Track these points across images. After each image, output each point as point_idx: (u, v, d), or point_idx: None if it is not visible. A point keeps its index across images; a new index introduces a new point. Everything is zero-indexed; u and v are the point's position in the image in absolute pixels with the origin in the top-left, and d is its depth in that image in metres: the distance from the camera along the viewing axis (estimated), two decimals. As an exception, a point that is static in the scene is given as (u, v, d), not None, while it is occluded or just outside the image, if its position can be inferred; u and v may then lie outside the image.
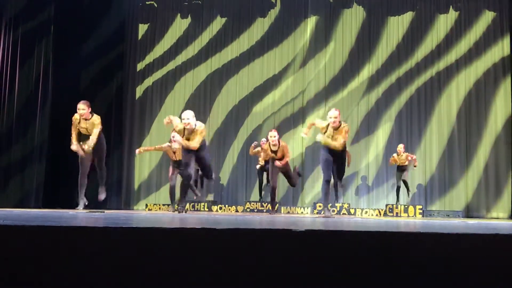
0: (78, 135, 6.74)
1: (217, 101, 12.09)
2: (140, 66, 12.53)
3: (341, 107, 11.40)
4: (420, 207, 10.18)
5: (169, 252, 1.54)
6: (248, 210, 10.38)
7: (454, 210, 10.50)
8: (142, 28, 12.65)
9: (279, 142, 7.85)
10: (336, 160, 6.49)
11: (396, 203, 10.43)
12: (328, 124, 6.36)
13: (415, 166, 10.49)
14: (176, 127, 6.56)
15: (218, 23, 12.41)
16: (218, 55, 12.31)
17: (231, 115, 11.88)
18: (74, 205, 10.53)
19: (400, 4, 11.71)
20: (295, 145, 11.31)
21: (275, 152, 7.66)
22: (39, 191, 10.27)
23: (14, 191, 10.07)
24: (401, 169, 10.38)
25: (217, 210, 10.65)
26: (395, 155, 10.39)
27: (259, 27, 12.23)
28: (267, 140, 9.08)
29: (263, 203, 10.34)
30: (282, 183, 10.11)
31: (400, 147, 10.37)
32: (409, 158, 10.32)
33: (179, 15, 12.57)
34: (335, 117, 6.28)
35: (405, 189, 10.57)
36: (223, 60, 12.28)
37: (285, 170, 7.90)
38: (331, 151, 6.42)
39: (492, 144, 10.79)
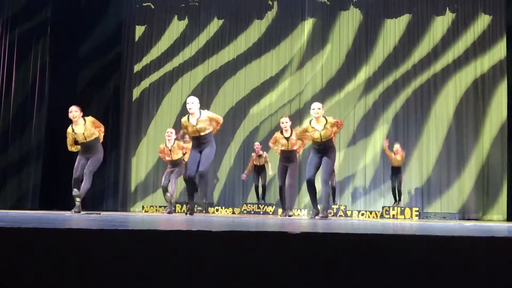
0: (75, 143, 6.69)
1: (214, 103, 12.09)
2: (137, 67, 12.54)
3: (338, 109, 11.44)
4: (417, 209, 10.18)
5: (165, 254, 1.54)
6: (244, 212, 10.38)
7: (451, 212, 10.52)
8: (139, 30, 12.65)
9: (291, 129, 7.68)
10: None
11: (394, 204, 10.22)
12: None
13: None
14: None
15: (215, 25, 12.42)
16: (215, 57, 12.32)
17: (228, 117, 11.89)
18: (71, 207, 10.54)
19: (397, 6, 11.74)
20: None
21: (287, 138, 7.53)
22: (36, 193, 10.26)
23: (10, 192, 10.06)
24: (396, 170, 10.11)
25: (213, 212, 10.64)
26: (392, 154, 10.15)
27: (256, 29, 12.25)
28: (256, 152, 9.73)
29: (259, 205, 10.35)
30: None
31: (397, 147, 10.10)
32: (403, 155, 10.15)
33: (176, 16, 12.57)
34: (319, 108, 6.28)
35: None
36: (220, 61, 12.29)
37: (290, 165, 7.66)
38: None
39: (488, 147, 10.82)
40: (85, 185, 6.54)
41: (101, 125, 6.74)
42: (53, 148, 10.72)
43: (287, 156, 7.53)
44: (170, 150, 8.23)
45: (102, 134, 6.76)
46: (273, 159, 10.55)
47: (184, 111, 11.92)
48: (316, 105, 6.31)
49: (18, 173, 10.16)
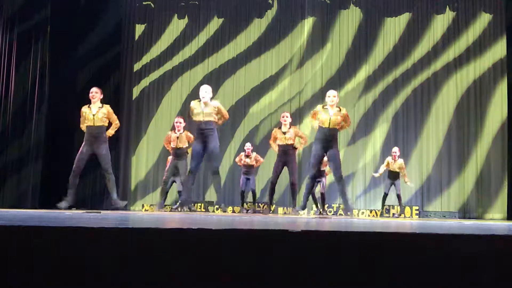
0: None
1: (214, 102, 12.07)
2: (136, 66, 12.53)
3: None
4: (417, 207, 10.18)
5: (165, 252, 1.54)
6: (244, 211, 10.36)
7: (451, 211, 10.52)
8: (139, 29, 12.65)
9: (290, 125, 7.66)
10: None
11: (382, 211, 9.90)
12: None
13: (406, 182, 9.65)
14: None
15: (215, 24, 12.42)
16: (215, 56, 12.32)
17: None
18: (70, 206, 10.54)
19: (396, 5, 11.74)
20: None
21: (284, 133, 7.54)
22: (35, 191, 10.26)
23: (10, 191, 10.06)
24: (393, 176, 9.62)
25: (213, 211, 10.64)
26: (389, 158, 9.66)
27: (256, 28, 12.24)
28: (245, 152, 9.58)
29: (259, 204, 10.34)
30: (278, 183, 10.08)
31: (395, 150, 9.63)
32: (402, 170, 9.57)
33: (176, 15, 12.57)
34: (334, 96, 6.28)
35: (395, 199, 9.90)
36: (220, 60, 12.28)
37: (289, 161, 7.63)
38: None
39: (488, 145, 10.83)
40: (111, 182, 6.63)
41: (116, 118, 6.74)
42: (53, 147, 10.72)
43: (285, 151, 7.53)
44: (177, 138, 8.31)
45: (115, 128, 6.75)
46: (264, 164, 10.47)
47: (184, 110, 11.97)
48: (331, 93, 6.30)
49: (18, 172, 10.16)
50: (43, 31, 10.67)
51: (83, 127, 6.67)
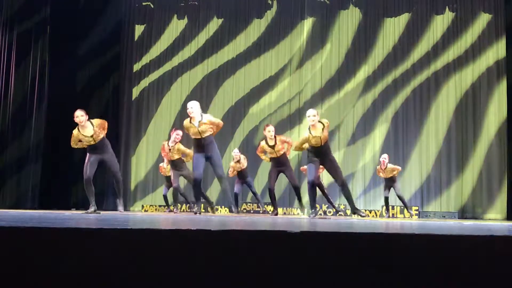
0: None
1: (214, 102, 12.09)
2: (136, 67, 12.53)
3: (337, 108, 11.44)
4: (416, 208, 10.17)
5: (164, 253, 1.54)
6: (244, 211, 10.37)
7: (450, 211, 10.52)
8: (139, 29, 12.65)
9: (275, 137, 7.64)
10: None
11: (387, 213, 9.80)
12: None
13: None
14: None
15: (214, 24, 12.42)
16: (215, 56, 12.32)
17: (227, 116, 11.89)
18: (70, 206, 10.55)
19: (396, 5, 11.74)
20: (292, 146, 11.31)
21: (272, 146, 7.54)
22: (35, 192, 10.26)
23: (10, 192, 10.06)
24: (388, 181, 9.47)
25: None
26: (378, 167, 9.56)
27: (256, 28, 12.24)
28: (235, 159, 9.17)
29: (259, 205, 10.33)
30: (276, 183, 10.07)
31: (385, 157, 9.42)
32: (394, 172, 9.39)
33: (175, 16, 12.57)
34: (314, 115, 6.24)
35: (396, 201, 9.83)
36: (219, 61, 12.28)
37: (285, 169, 7.66)
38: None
39: (488, 146, 10.82)
40: (119, 184, 6.80)
41: (105, 121, 6.65)
42: (53, 147, 10.73)
43: (278, 161, 7.59)
44: (169, 150, 8.21)
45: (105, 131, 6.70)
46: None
47: (183, 111, 11.95)
48: (310, 112, 6.25)
49: (18, 173, 10.16)
50: (43, 31, 10.67)
51: (75, 146, 6.48)
